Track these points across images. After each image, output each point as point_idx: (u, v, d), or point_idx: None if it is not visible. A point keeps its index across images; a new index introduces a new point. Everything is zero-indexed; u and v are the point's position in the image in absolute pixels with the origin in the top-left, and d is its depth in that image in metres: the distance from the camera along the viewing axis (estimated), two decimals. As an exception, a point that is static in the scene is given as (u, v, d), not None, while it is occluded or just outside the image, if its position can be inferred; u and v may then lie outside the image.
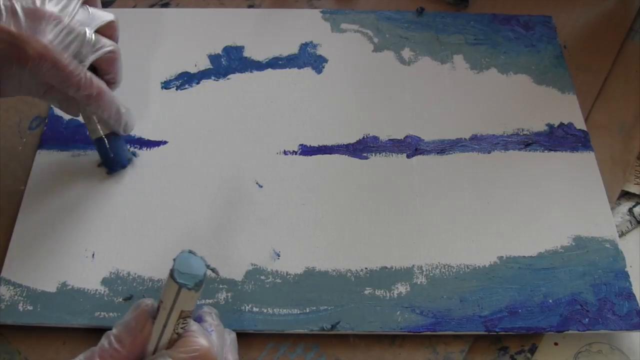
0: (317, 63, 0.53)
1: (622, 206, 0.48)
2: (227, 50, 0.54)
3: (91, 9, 0.40)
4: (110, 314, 0.40)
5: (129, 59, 0.52)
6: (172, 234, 0.44)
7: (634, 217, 0.48)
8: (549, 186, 0.47)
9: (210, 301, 0.41)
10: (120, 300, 0.41)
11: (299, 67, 0.53)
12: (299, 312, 0.41)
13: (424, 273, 0.43)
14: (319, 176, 0.47)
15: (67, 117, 0.49)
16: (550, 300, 0.42)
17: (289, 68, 0.53)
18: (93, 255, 0.43)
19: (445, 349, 0.41)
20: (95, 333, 0.39)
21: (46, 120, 0.49)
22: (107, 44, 0.40)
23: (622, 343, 0.42)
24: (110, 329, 0.32)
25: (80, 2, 0.38)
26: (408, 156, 0.48)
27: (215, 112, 0.50)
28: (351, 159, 0.48)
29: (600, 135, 0.51)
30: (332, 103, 0.51)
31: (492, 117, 0.50)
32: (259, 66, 0.53)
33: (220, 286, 0.42)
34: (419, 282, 0.42)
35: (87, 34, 0.38)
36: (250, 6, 0.58)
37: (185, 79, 0.52)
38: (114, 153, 0.45)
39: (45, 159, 0.47)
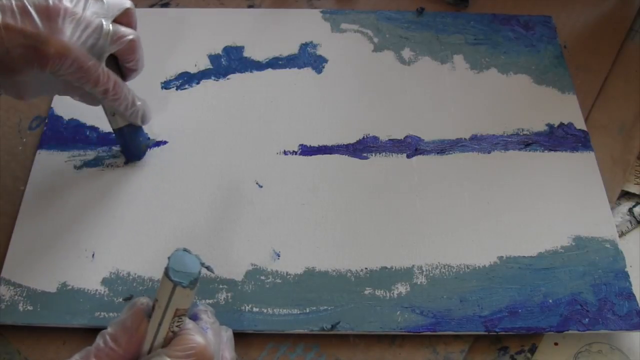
0: (317, 63, 0.53)
1: (622, 206, 0.48)
2: (227, 50, 0.54)
3: None
4: (110, 314, 0.40)
5: (129, 59, 0.53)
6: (172, 234, 0.44)
7: (634, 217, 0.48)
8: (549, 186, 0.47)
9: (210, 301, 0.41)
10: (120, 300, 0.41)
11: (299, 67, 0.53)
12: (299, 312, 0.41)
13: (424, 273, 0.43)
14: (319, 176, 0.47)
15: (67, 117, 0.49)
16: (550, 300, 0.42)
17: (289, 68, 0.53)
18: (93, 255, 0.43)
19: (445, 349, 0.41)
20: (95, 333, 0.38)
21: (46, 120, 0.49)
22: (127, 33, 0.39)
23: (622, 343, 0.42)
24: None
25: None
26: (408, 156, 0.48)
27: (215, 112, 0.50)
28: (351, 159, 0.48)
29: (600, 135, 0.51)
30: (332, 103, 0.51)
31: (492, 117, 0.50)
32: (259, 66, 0.53)
33: (220, 286, 0.42)
34: (419, 282, 0.42)
35: (105, 26, 0.37)
36: (250, 6, 0.58)
37: (185, 79, 0.52)
38: (131, 144, 0.45)
39: (45, 159, 0.47)
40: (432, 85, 0.52)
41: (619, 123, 0.52)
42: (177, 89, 0.51)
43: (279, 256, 0.43)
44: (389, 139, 0.49)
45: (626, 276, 0.43)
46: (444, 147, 0.49)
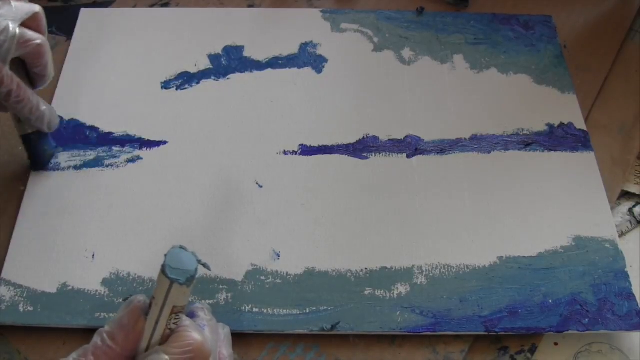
0: (317, 63, 0.53)
1: (622, 206, 0.48)
2: (227, 50, 0.53)
3: (14, 2, 0.39)
4: (111, 314, 0.40)
5: (129, 59, 0.53)
6: (172, 234, 0.44)
7: (634, 217, 0.48)
8: (549, 186, 0.47)
9: (210, 301, 0.41)
10: (121, 300, 0.41)
11: (299, 67, 0.53)
12: (299, 313, 0.41)
13: (424, 273, 0.43)
14: (319, 176, 0.47)
15: (67, 117, 0.49)
16: (550, 301, 0.42)
17: (289, 68, 0.53)
18: (93, 255, 0.43)
19: (445, 349, 0.41)
20: (95, 333, 0.39)
21: (46, 121, 0.49)
22: (34, 37, 0.39)
23: (622, 343, 0.42)
24: None
25: None
26: (408, 156, 0.48)
27: (215, 112, 0.50)
28: (351, 159, 0.48)
29: (600, 135, 0.51)
30: (332, 103, 0.51)
31: (492, 117, 0.50)
32: (259, 66, 0.53)
33: (220, 287, 0.42)
34: (419, 282, 0.42)
35: (11, 28, 0.37)
36: (250, 6, 0.58)
37: (185, 79, 0.52)
38: (36, 151, 0.45)
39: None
40: (432, 85, 0.52)
41: (619, 123, 0.52)
42: (177, 89, 0.51)
43: (279, 256, 0.43)
44: (389, 139, 0.49)
45: (626, 276, 0.43)
46: (444, 147, 0.49)
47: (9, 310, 0.40)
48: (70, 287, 0.41)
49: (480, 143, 0.49)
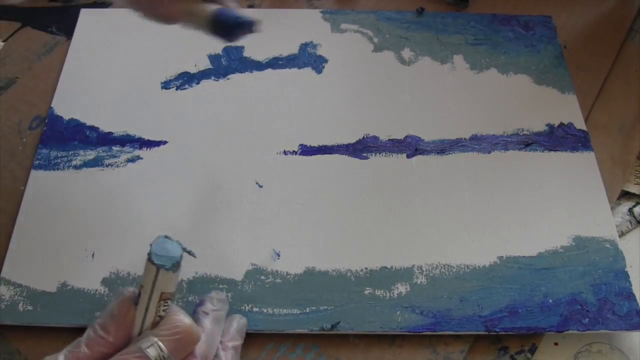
0: (317, 63, 0.53)
1: (622, 206, 0.48)
2: (227, 50, 0.54)
3: None
4: (110, 314, 0.40)
5: (129, 59, 0.53)
6: (172, 234, 0.43)
7: (634, 217, 0.48)
8: (549, 186, 0.47)
9: (210, 301, 0.41)
10: (120, 300, 0.41)
11: (299, 67, 0.53)
12: (299, 312, 0.41)
13: (424, 273, 0.43)
14: (319, 176, 0.47)
15: (67, 117, 0.49)
16: (550, 300, 0.42)
17: (289, 68, 0.53)
18: (93, 255, 0.43)
19: (445, 349, 0.41)
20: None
21: (46, 120, 0.49)
22: None
23: (622, 343, 0.42)
24: None
25: None
26: (408, 156, 0.48)
27: (215, 112, 0.50)
28: (351, 159, 0.48)
29: (600, 135, 0.51)
30: (332, 103, 0.51)
31: (492, 117, 0.50)
32: (259, 66, 0.53)
33: (220, 286, 0.42)
34: (419, 282, 0.42)
35: None
36: (250, 6, 0.58)
37: (185, 79, 0.52)
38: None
39: (45, 159, 0.47)
40: (432, 86, 0.52)
41: (619, 123, 0.52)
42: (177, 89, 0.51)
43: (279, 256, 0.43)
44: (389, 139, 0.49)
45: (626, 276, 0.43)
46: (444, 147, 0.49)
47: (9, 309, 0.40)
48: (70, 287, 0.41)
49: (480, 143, 0.49)
